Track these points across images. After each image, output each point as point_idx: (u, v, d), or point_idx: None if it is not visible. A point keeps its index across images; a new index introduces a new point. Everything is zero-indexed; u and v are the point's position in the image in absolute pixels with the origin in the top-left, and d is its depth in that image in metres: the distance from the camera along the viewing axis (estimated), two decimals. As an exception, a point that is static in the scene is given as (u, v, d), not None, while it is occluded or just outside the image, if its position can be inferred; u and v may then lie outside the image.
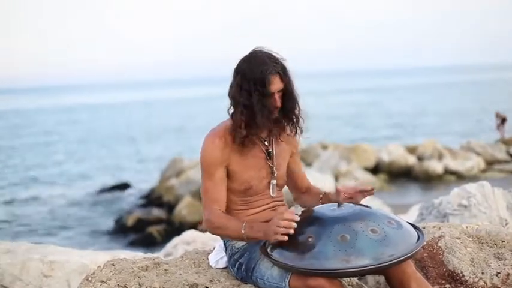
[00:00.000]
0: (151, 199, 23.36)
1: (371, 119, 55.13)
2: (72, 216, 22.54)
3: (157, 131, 53.24)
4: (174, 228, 17.47)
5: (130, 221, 20.14)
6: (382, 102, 75.44)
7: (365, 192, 3.57)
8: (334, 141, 30.79)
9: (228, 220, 3.48)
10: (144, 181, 28.01)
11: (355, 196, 3.57)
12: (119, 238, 18.81)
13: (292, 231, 3.19)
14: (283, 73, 3.49)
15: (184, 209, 19.23)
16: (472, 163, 23.99)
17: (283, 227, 3.18)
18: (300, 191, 3.97)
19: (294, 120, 3.64)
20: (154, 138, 48.04)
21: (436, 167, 23.68)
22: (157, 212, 20.90)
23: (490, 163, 24.55)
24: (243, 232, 3.37)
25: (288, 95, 3.54)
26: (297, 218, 3.23)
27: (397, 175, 24.12)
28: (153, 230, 18.39)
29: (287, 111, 3.58)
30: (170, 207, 21.14)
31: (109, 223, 20.94)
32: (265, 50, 3.54)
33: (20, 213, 23.78)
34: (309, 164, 24.31)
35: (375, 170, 24.39)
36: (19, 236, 19.08)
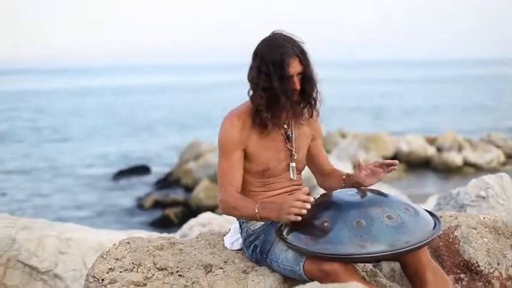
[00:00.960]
0: (169, 182, 23.42)
1: (391, 110, 54.94)
2: (90, 197, 22.64)
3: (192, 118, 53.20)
4: (191, 211, 17.51)
5: (147, 203, 20.22)
6: (403, 93, 75.13)
7: (387, 166, 3.57)
8: (354, 130, 30.75)
9: (242, 200, 3.48)
10: (165, 164, 28.09)
11: (376, 171, 3.56)
12: (136, 219, 18.88)
13: (305, 212, 3.19)
14: (302, 56, 3.49)
15: (201, 192, 19.25)
16: (492, 156, 23.84)
17: (297, 207, 3.18)
18: (323, 174, 3.97)
19: (313, 103, 3.64)
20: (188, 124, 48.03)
21: (455, 158, 23.55)
22: (174, 195, 20.97)
23: (510, 156, 24.38)
24: (256, 211, 3.37)
25: (307, 78, 3.54)
26: (311, 199, 3.23)
27: (416, 165, 23.98)
28: (170, 212, 18.42)
29: (306, 95, 3.58)
30: (188, 190, 21.20)
31: (127, 204, 21.02)
32: (285, 33, 3.53)
33: (37, 191, 23.95)
34: (327, 152, 24.23)
35: (393, 159, 24.18)
36: (37, 213, 19.20)
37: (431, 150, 24.71)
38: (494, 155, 23.90)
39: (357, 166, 3.61)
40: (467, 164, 23.47)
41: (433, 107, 55.29)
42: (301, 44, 3.52)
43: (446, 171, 23.14)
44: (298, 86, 3.50)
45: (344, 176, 3.77)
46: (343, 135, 26.77)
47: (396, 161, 3.59)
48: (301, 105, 3.61)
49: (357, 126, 35.83)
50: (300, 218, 3.19)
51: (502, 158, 24.00)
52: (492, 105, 53.40)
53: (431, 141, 25.98)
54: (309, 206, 3.19)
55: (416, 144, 24.84)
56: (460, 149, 24.28)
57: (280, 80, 3.44)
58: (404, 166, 23.71)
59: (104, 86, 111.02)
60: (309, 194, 3.24)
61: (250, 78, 3.54)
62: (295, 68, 3.47)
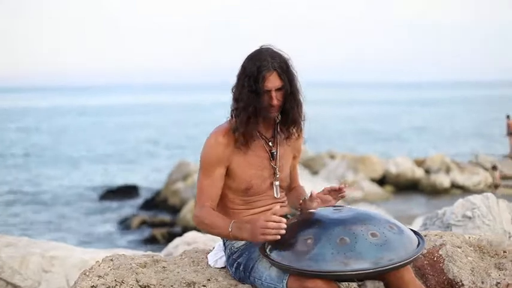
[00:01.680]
0: (157, 202, 23.37)
1: (380, 131, 55.07)
2: (77, 215, 22.55)
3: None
4: (178, 232, 17.47)
5: (135, 223, 20.18)
6: (394, 115, 75.32)
7: (336, 192, 3.53)
8: (342, 151, 30.79)
9: (217, 218, 3.47)
10: (153, 184, 28.01)
11: (326, 198, 3.53)
12: (123, 239, 18.81)
13: (283, 232, 3.17)
14: (281, 71, 3.45)
15: (189, 213, 19.20)
16: (480, 178, 23.92)
17: (272, 228, 3.16)
18: (288, 189, 3.91)
19: (297, 122, 3.62)
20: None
21: (443, 180, 23.64)
22: (162, 215, 20.93)
23: (498, 178, 24.44)
24: (229, 230, 3.35)
25: (288, 94, 3.50)
26: (284, 220, 3.21)
27: (404, 187, 24.07)
28: (157, 232, 18.38)
29: (286, 111, 3.55)
30: (175, 210, 21.15)
31: (114, 224, 20.95)
32: (272, 48, 3.51)
33: (23, 209, 23.83)
34: (315, 172, 24.28)
35: (381, 181, 24.36)
36: (22, 231, 19.11)
37: (419, 172, 24.80)
38: (482, 178, 23.98)
39: (308, 197, 3.57)
40: (455, 186, 23.54)
41: (421, 129, 55.47)
42: (286, 59, 3.50)
43: (434, 193, 23.22)
44: (275, 102, 3.45)
45: (301, 201, 3.69)
46: (332, 156, 26.84)
47: (343, 187, 3.52)
48: (281, 123, 3.60)
49: (346, 148, 35.91)
50: (278, 237, 3.18)
51: (490, 180, 24.04)
52: (486, 131, 53.31)
53: (419, 163, 26.09)
54: (284, 226, 3.17)
55: (405, 166, 24.92)
56: (448, 171, 24.38)
57: (254, 94, 3.42)
58: (392, 188, 23.78)
59: (98, 105, 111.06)
60: (284, 216, 3.23)
61: (232, 91, 3.54)
62: (272, 82, 3.43)
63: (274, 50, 3.50)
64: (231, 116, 3.54)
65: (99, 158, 39.65)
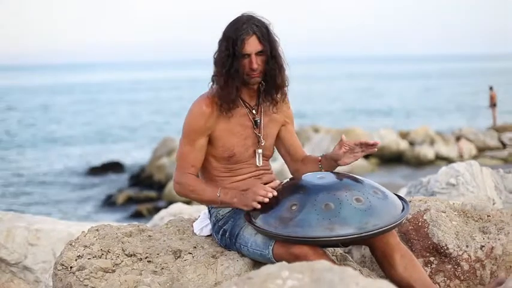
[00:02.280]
0: (142, 178, 23.33)
1: (365, 105, 55.12)
2: (62, 192, 22.51)
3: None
4: (164, 207, 17.45)
5: (120, 199, 20.16)
6: (379, 88, 75.34)
7: (368, 146, 3.52)
8: (327, 124, 30.84)
9: (202, 184, 3.51)
10: (138, 160, 27.97)
11: (355, 149, 3.53)
12: (108, 216, 18.78)
13: (267, 200, 3.19)
14: (261, 35, 3.44)
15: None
16: (464, 149, 24.01)
17: (261, 195, 3.18)
18: (296, 161, 3.89)
19: (278, 86, 3.61)
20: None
21: (427, 152, 23.73)
22: (147, 191, 20.91)
23: (482, 150, 24.54)
24: (218, 195, 3.36)
25: (270, 58, 3.49)
26: (274, 192, 3.23)
27: (389, 159, 24.11)
28: (143, 208, 18.37)
29: (268, 76, 3.54)
30: (161, 186, 21.13)
31: (99, 201, 20.91)
32: (252, 14, 3.50)
33: (9, 183, 23.77)
34: (300, 146, 24.31)
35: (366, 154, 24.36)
36: (6, 208, 19.07)
37: (403, 145, 24.87)
38: (466, 149, 24.07)
39: (338, 142, 3.56)
40: (439, 157, 23.62)
41: (406, 102, 55.57)
42: (267, 25, 3.49)
43: (419, 164, 23.30)
44: (255, 65, 3.44)
45: (320, 158, 3.72)
46: (316, 130, 26.83)
47: (378, 141, 3.53)
48: (265, 90, 3.60)
49: (330, 120, 35.96)
50: (259, 206, 3.20)
51: (474, 151, 24.17)
52: (471, 103, 53.29)
53: (403, 135, 26.18)
54: (271, 195, 3.20)
55: (389, 139, 24.96)
56: (432, 143, 24.47)
57: (233, 58, 3.42)
58: (377, 160, 23.82)
59: (86, 82, 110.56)
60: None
61: (213, 56, 3.53)
62: (252, 46, 3.42)
63: (255, 15, 3.50)
64: (212, 81, 3.53)
65: (80, 137, 39.43)
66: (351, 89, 76.30)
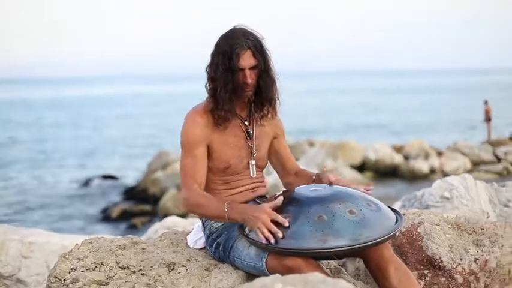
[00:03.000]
0: (137, 191, 23.31)
1: (360, 118, 55.18)
2: (57, 204, 22.46)
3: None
4: (158, 220, 17.43)
5: (115, 212, 20.13)
6: (374, 102, 75.45)
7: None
8: (322, 138, 30.85)
9: (209, 199, 3.44)
10: (133, 174, 27.94)
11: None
12: (103, 229, 18.75)
13: (280, 236, 3.11)
14: (255, 50, 3.45)
15: (169, 201, 19.20)
16: (458, 163, 24.00)
17: (269, 229, 3.12)
18: (289, 174, 3.92)
19: (271, 101, 3.62)
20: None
21: (422, 166, 23.76)
22: (142, 205, 20.89)
23: (477, 164, 24.55)
24: (225, 210, 3.33)
25: (262, 73, 3.50)
26: (286, 224, 3.13)
27: (383, 173, 24.14)
28: (138, 221, 18.36)
29: (261, 90, 3.55)
30: (155, 199, 21.11)
31: (93, 214, 20.87)
32: (245, 27, 3.51)
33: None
34: (295, 160, 24.29)
35: (361, 167, 24.41)
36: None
37: (398, 158, 24.89)
38: (461, 163, 24.08)
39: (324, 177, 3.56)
40: (433, 171, 23.64)
41: (401, 116, 55.62)
42: (259, 39, 3.50)
43: (413, 178, 23.31)
44: (249, 80, 3.45)
45: (314, 177, 3.72)
46: (311, 144, 26.85)
47: (372, 187, 3.49)
48: (255, 102, 3.61)
49: (325, 135, 35.97)
50: (264, 241, 3.14)
51: (469, 165, 24.17)
52: (466, 117, 53.28)
53: (398, 149, 26.20)
54: (281, 235, 3.10)
55: (384, 152, 25.00)
56: (426, 156, 24.51)
57: (227, 72, 3.42)
58: (371, 174, 23.84)
59: (79, 96, 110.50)
60: (262, 196, 3.22)
61: (206, 70, 3.54)
62: (246, 60, 3.43)
63: (248, 29, 3.51)
64: (209, 95, 3.54)
65: (74, 150, 39.33)
66: (347, 103, 76.37)
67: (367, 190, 3.46)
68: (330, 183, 3.44)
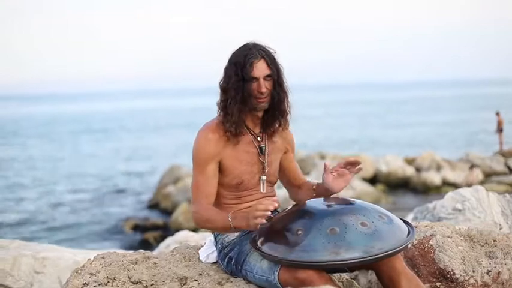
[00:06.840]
0: (149, 206, 23.37)
1: (372, 131, 55.12)
2: (69, 220, 22.49)
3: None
4: (170, 235, 17.45)
5: (127, 227, 20.16)
6: (385, 114, 75.40)
7: (351, 165, 3.53)
8: (333, 151, 30.83)
9: (216, 213, 3.46)
10: (145, 188, 27.97)
11: (342, 172, 3.55)
12: (115, 243, 18.77)
13: (268, 213, 3.17)
14: (269, 60, 3.47)
15: (180, 216, 19.23)
16: (474, 179, 23.91)
17: (261, 210, 3.16)
18: (295, 186, 3.94)
19: (282, 112, 3.63)
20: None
21: (434, 178, 23.68)
22: (154, 219, 20.92)
23: (489, 175, 24.46)
24: (230, 220, 3.34)
25: (276, 83, 3.52)
26: (275, 204, 3.19)
27: (395, 186, 24.09)
28: (150, 236, 18.38)
29: (275, 101, 3.56)
30: (167, 213, 21.16)
31: (106, 228, 20.90)
32: (256, 42, 3.54)
33: (16, 212, 23.74)
34: (306, 173, 24.29)
35: (373, 180, 24.37)
36: (13, 233, 19.10)
37: (410, 171, 24.83)
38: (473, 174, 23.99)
39: (323, 170, 3.59)
40: (446, 183, 23.55)
41: (411, 128, 55.51)
42: (272, 53, 3.52)
43: (426, 190, 23.23)
44: (263, 89, 3.46)
45: (314, 186, 3.76)
46: (323, 157, 26.83)
47: (359, 160, 3.54)
48: (268, 116, 3.62)
49: (337, 147, 35.92)
50: (263, 221, 3.17)
51: (481, 176, 24.09)
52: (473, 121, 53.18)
53: (410, 161, 26.15)
54: (271, 207, 3.16)
55: (396, 165, 24.96)
56: (438, 168, 24.43)
57: (239, 82, 3.44)
58: (383, 186, 23.77)
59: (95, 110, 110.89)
60: (274, 210, 3.23)
61: (219, 83, 3.56)
62: (260, 70, 3.45)
63: (260, 43, 3.53)
64: (219, 108, 3.55)
65: (85, 165, 39.38)
66: (358, 115, 76.34)
67: (354, 165, 3.51)
68: (325, 167, 3.55)
